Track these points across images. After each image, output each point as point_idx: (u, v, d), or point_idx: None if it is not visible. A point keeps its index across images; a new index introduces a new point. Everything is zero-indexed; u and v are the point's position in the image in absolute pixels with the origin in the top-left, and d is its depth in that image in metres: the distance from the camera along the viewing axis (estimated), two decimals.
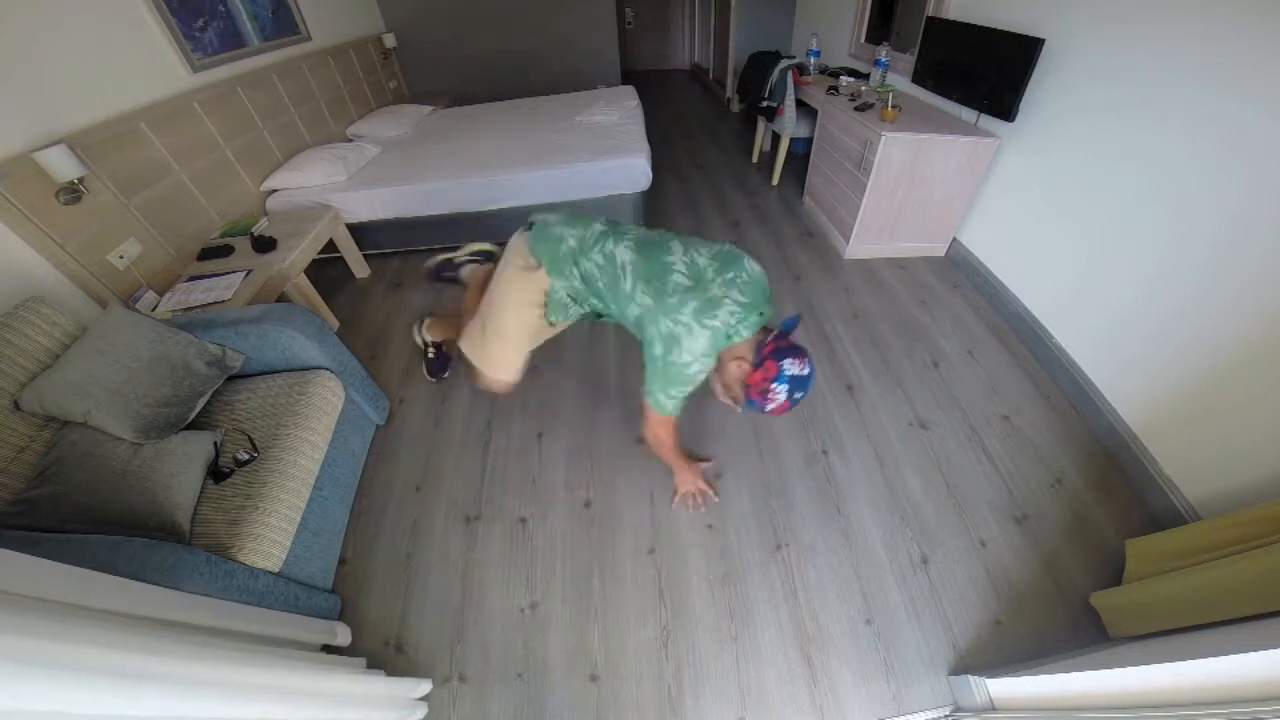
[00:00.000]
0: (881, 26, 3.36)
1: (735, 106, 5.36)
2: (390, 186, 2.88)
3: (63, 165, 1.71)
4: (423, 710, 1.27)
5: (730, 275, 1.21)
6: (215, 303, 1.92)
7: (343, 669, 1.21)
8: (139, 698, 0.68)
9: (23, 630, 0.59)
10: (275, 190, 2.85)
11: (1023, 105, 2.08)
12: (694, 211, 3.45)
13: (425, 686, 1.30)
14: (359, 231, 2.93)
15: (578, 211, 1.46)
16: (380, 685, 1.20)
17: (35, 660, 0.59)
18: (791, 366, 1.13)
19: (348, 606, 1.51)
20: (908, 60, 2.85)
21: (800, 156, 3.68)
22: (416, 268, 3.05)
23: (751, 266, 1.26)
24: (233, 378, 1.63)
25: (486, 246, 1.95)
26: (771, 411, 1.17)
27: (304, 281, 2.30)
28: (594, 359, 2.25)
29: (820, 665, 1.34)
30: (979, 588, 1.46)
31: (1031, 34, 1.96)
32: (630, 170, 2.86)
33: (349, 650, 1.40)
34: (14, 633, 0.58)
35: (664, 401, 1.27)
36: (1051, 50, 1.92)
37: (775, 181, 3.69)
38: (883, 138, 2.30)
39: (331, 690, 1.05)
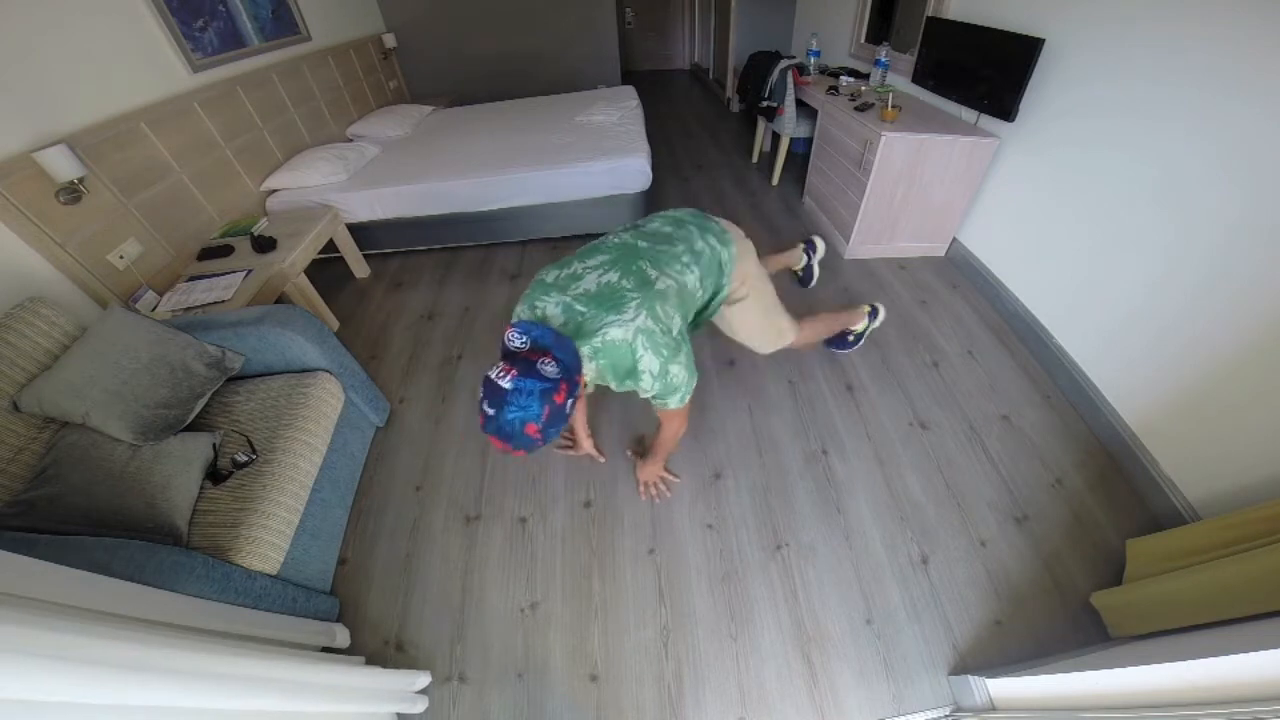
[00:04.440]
0: (881, 26, 3.35)
1: (735, 106, 5.36)
2: (390, 186, 2.88)
3: (63, 165, 1.71)
4: (424, 703, 1.27)
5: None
6: (215, 303, 1.93)
7: (341, 663, 1.21)
8: (134, 687, 0.68)
9: (19, 620, 0.60)
10: (275, 190, 2.85)
11: (1023, 105, 2.08)
12: None
13: (425, 679, 1.30)
14: (359, 231, 2.93)
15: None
16: (380, 678, 1.20)
17: (32, 650, 0.59)
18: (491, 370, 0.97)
19: (347, 607, 1.51)
20: (908, 60, 2.84)
21: (800, 156, 3.69)
22: (416, 268, 3.05)
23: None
24: (232, 379, 1.62)
25: None
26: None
27: (304, 281, 2.30)
28: None
29: (820, 665, 1.34)
30: (979, 588, 1.46)
31: (1031, 34, 1.95)
32: (630, 170, 2.86)
33: (348, 651, 1.40)
34: (12, 623, 0.58)
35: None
36: (1051, 50, 1.92)
37: (775, 181, 3.69)
38: (883, 138, 2.30)
39: (332, 682, 1.05)
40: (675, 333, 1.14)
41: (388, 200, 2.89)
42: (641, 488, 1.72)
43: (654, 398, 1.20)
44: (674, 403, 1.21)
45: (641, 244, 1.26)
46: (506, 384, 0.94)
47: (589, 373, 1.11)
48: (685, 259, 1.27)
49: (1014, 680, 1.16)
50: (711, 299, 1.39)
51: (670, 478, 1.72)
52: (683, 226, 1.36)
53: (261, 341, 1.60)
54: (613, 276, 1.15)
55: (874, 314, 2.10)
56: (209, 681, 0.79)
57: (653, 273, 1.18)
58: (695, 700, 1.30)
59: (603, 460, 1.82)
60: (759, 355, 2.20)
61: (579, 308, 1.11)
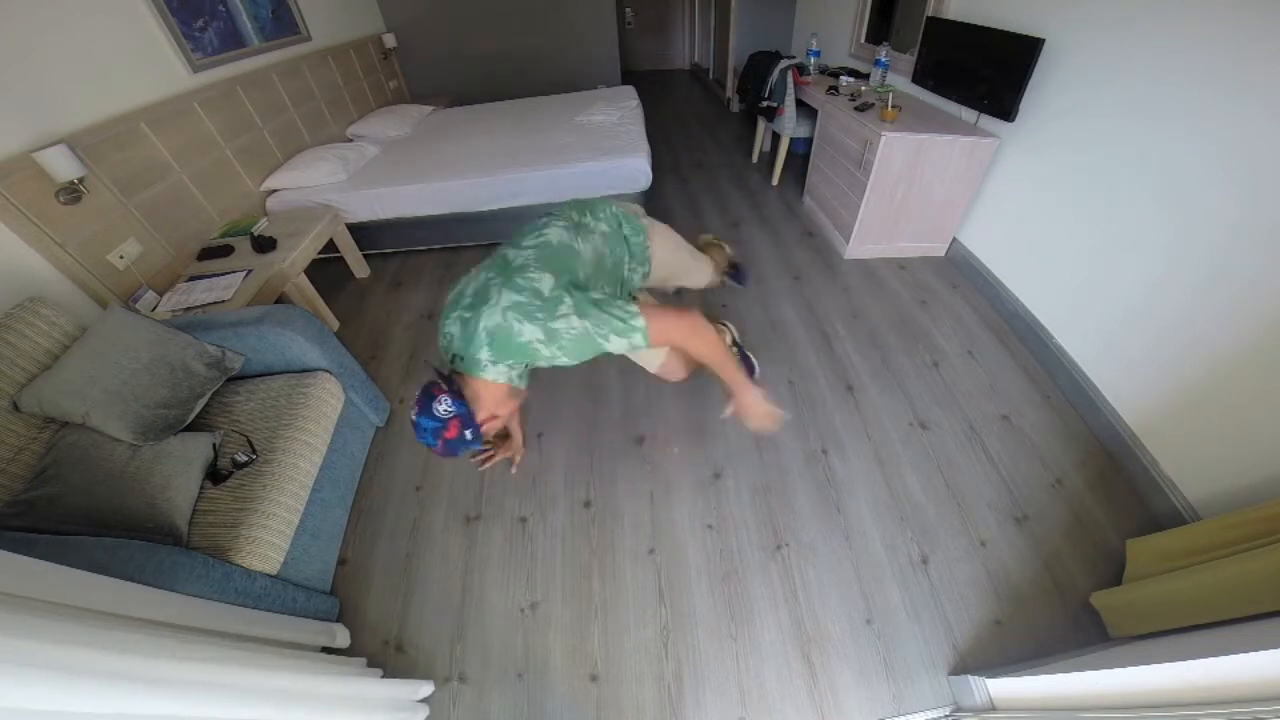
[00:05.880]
0: (881, 26, 3.35)
1: (735, 106, 5.36)
2: (390, 186, 2.88)
3: (63, 165, 1.71)
4: (424, 712, 1.27)
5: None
6: (215, 303, 1.93)
7: (343, 670, 1.21)
8: (134, 699, 0.67)
9: (19, 631, 0.59)
10: (275, 190, 2.85)
11: (1023, 105, 2.08)
12: (694, 211, 3.44)
13: (427, 688, 1.30)
14: (359, 231, 2.93)
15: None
16: (381, 687, 1.19)
17: (30, 661, 0.59)
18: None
19: (347, 607, 1.51)
20: (908, 60, 2.84)
21: (800, 156, 3.68)
22: (416, 268, 3.05)
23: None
24: (232, 379, 1.62)
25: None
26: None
27: (304, 281, 2.30)
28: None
29: (820, 665, 1.34)
30: (979, 588, 1.46)
31: (1031, 34, 1.95)
32: (630, 170, 2.86)
33: (348, 652, 1.40)
34: (10, 633, 0.58)
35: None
36: (1051, 50, 1.92)
37: (775, 181, 3.69)
38: (882, 138, 2.30)
39: (331, 692, 1.05)
40: (548, 292, 1.09)
41: (388, 200, 2.89)
42: (754, 428, 1.41)
43: (610, 352, 1.14)
44: (638, 341, 1.11)
45: (511, 245, 1.24)
46: (412, 415, 1.09)
47: (500, 376, 1.12)
48: (556, 226, 1.25)
49: (1014, 680, 1.16)
50: (628, 252, 1.38)
51: (773, 411, 1.36)
52: (557, 217, 1.32)
53: (261, 341, 1.60)
54: (482, 276, 1.15)
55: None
56: (206, 691, 0.78)
57: (511, 253, 1.18)
58: (695, 700, 1.30)
59: (515, 462, 1.83)
60: (758, 357, 2.20)
61: (465, 315, 1.11)
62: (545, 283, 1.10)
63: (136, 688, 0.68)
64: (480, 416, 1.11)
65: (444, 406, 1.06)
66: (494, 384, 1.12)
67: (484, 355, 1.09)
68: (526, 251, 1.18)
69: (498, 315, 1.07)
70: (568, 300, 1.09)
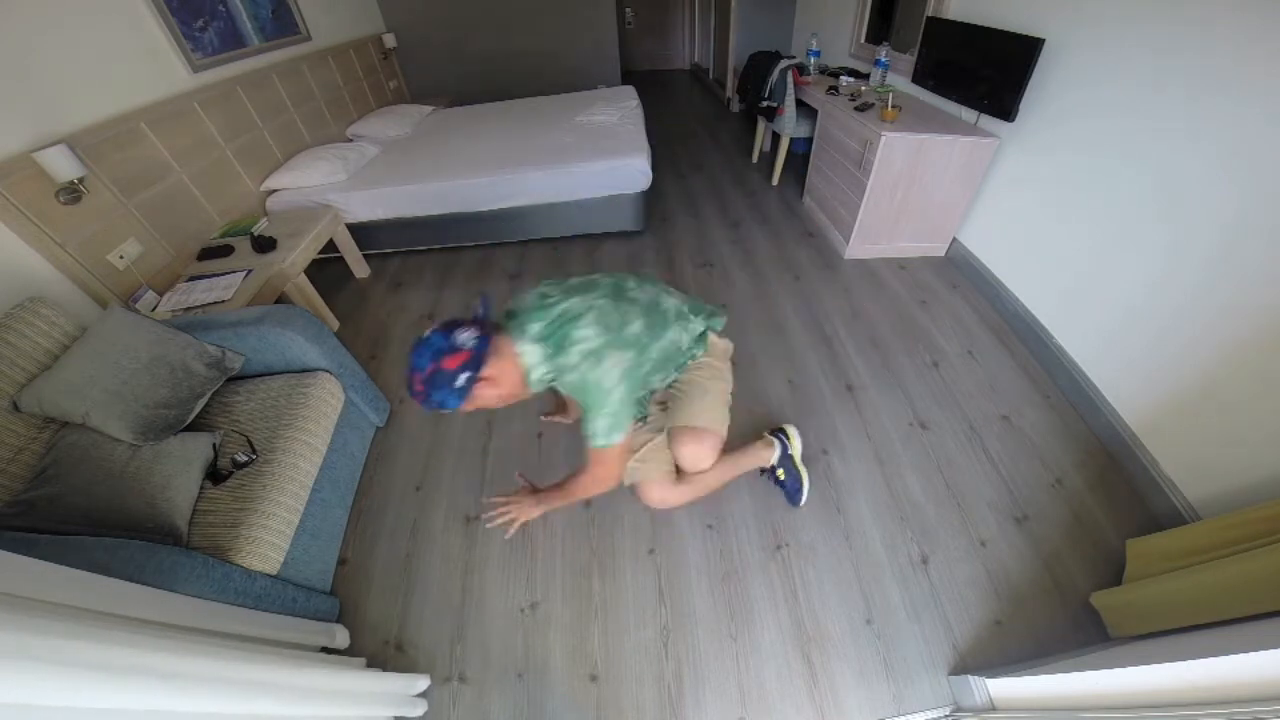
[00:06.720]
0: (881, 26, 3.35)
1: (735, 106, 5.36)
2: (390, 186, 2.88)
3: (63, 165, 1.71)
4: (422, 706, 1.27)
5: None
6: (215, 303, 1.93)
7: (341, 669, 1.21)
8: (131, 691, 0.68)
9: (18, 627, 0.60)
10: (275, 190, 2.85)
11: (1023, 105, 2.08)
12: (693, 211, 3.44)
13: (424, 682, 1.30)
14: (359, 231, 2.93)
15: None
16: (378, 681, 1.20)
17: (30, 655, 0.59)
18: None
19: (347, 607, 1.51)
20: (908, 60, 2.84)
21: (800, 156, 3.68)
22: (416, 268, 3.05)
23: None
24: (232, 379, 1.62)
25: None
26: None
27: (304, 281, 2.30)
28: None
29: (820, 665, 1.34)
30: (979, 588, 1.46)
31: (1031, 34, 1.95)
32: (630, 170, 2.86)
33: (348, 652, 1.40)
34: (10, 629, 0.58)
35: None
36: (1051, 50, 1.92)
37: (775, 181, 3.69)
38: (882, 138, 2.30)
39: (330, 687, 1.05)
40: (629, 332, 1.13)
41: (388, 200, 2.89)
42: (499, 513, 1.46)
43: (583, 409, 1.14)
44: (598, 436, 1.12)
45: (635, 278, 1.27)
46: (425, 333, 1.03)
47: (532, 356, 1.09)
48: (672, 300, 1.30)
49: (1014, 680, 1.16)
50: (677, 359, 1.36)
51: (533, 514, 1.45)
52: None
53: (261, 341, 1.60)
54: (597, 278, 1.22)
55: (782, 438, 1.66)
56: (205, 685, 0.79)
57: (633, 283, 1.24)
58: (695, 700, 1.30)
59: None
60: (757, 358, 2.20)
61: (553, 293, 1.16)
62: (635, 326, 1.14)
63: (131, 679, 0.68)
64: (485, 372, 1.02)
65: (466, 335, 1.01)
66: (519, 357, 1.09)
67: (536, 327, 1.10)
68: (647, 291, 1.24)
69: (580, 308, 1.10)
70: (632, 356, 1.11)
